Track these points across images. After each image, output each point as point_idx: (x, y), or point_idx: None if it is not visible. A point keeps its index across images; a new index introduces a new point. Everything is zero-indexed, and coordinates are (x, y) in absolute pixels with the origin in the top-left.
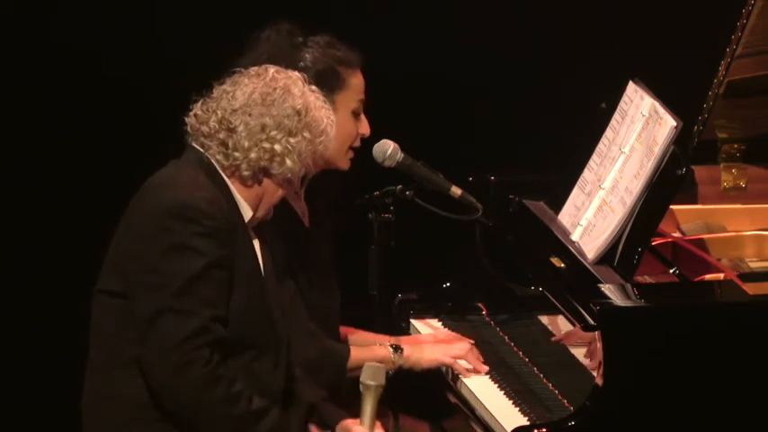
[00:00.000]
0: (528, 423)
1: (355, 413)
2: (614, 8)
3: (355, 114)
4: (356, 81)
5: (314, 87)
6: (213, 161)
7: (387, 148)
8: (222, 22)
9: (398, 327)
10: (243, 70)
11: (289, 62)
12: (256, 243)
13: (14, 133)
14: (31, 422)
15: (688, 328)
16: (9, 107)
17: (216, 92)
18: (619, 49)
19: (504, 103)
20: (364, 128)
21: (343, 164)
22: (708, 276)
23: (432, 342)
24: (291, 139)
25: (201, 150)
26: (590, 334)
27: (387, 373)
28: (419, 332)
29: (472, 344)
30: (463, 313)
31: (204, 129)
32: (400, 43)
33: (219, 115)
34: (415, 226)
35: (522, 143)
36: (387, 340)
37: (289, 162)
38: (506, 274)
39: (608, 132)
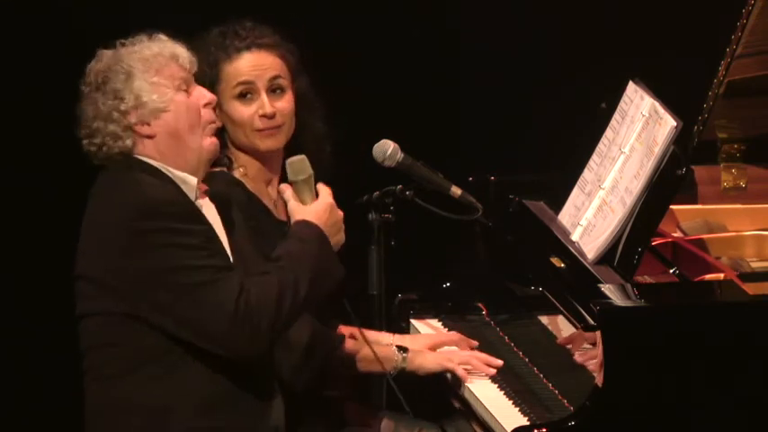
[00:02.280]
0: (528, 423)
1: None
2: (614, 8)
3: (241, 97)
4: (231, 69)
5: (124, 41)
6: (121, 155)
7: (387, 148)
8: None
9: (398, 327)
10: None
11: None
12: (216, 221)
13: (15, 133)
14: (32, 422)
15: (688, 328)
16: (9, 107)
17: (78, 132)
18: (619, 49)
19: (504, 102)
20: (261, 106)
21: (257, 145)
22: (708, 276)
23: (434, 341)
24: (121, 87)
25: (110, 153)
26: (594, 337)
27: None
28: (419, 332)
29: (475, 345)
30: (463, 313)
31: (89, 150)
32: (400, 43)
33: (82, 134)
34: (415, 226)
35: (522, 143)
36: (389, 338)
37: (144, 99)
38: (506, 274)
39: (608, 132)
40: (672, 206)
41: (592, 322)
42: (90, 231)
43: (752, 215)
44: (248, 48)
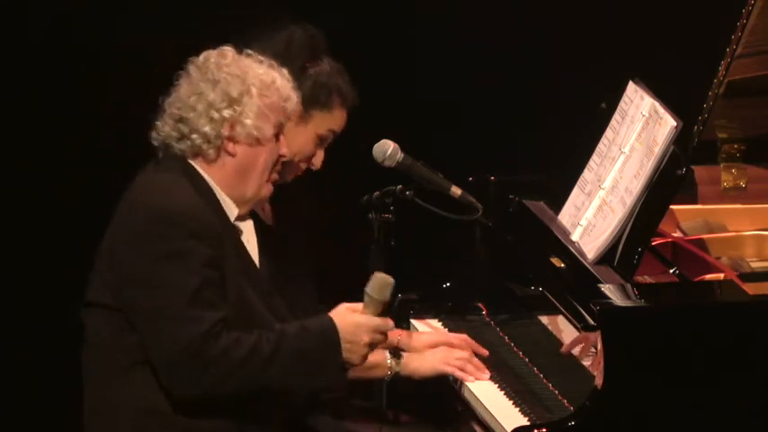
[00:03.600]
0: (528, 423)
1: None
2: (614, 8)
3: (320, 140)
4: (339, 114)
5: (249, 51)
6: (184, 155)
7: (387, 148)
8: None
9: (398, 327)
10: (180, 72)
11: (297, 57)
12: (252, 239)
13: (15, 133)
14: (32, 422)
15: (688, 328)
16: (8, 107)
17: (166, 104)
18: (619, 49)
19: (504, 102)
20: (318, 159)
21: (283, 178)
22: (708, 276)
23: (440, 340)
24: (237, 98)
25: (173, 150)
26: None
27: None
28: (419, 332)
29: (485, 354)
30: (463, 313)
31: (162, 133)
32: (400, 43)
33: (168, 112)
34: (415, 226)
35: (522, 143)
36: (396, 334)
37: (246, 120)
38: (506, 274)
39: (608, 132)
40: (672, 206)
41: (592, 322)
42: (116, 220)
43: (752, 215)
44: (350, 106)
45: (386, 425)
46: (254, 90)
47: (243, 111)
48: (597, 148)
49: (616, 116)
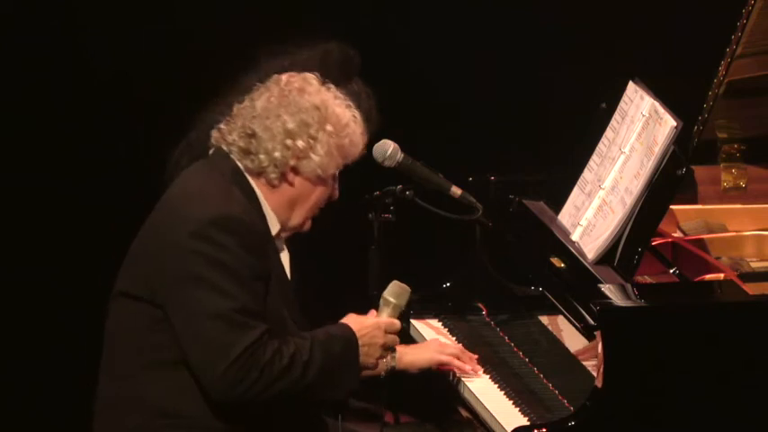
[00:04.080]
0: (528, 423)
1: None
2: (614, 8)
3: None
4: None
5: (331, 85)
6: (241, 166)
7: (387, 148)
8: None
9: None
10: (260, 84)
11: (329, 79)
12: (285, 254)
13: (15, 134)
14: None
15: (688, 328)
16: (9, 108)
17: (235, 110)
18: (619, 49)
19: (504, 102)
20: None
21: None
22: (708, 276)
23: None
24: (314, 133)
25: (230, 156)
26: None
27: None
28: (419, 332)
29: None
30: (463, 313)
31: (228, 138)
32: (400, 43)
33: (239, 125)
34: (415, 226)
35: (522, 143)
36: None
37: (315, 157)
38: (506, 274)
39: (608, 132)
40: (672, 206)
41: (592, 322)
42: (158, 215)
43: (752, 215)
44: (366, 138)
45: (386, 426)
46: (329, 127)
47: (315, 145)
48: (597, 148)
49: (616, 116)
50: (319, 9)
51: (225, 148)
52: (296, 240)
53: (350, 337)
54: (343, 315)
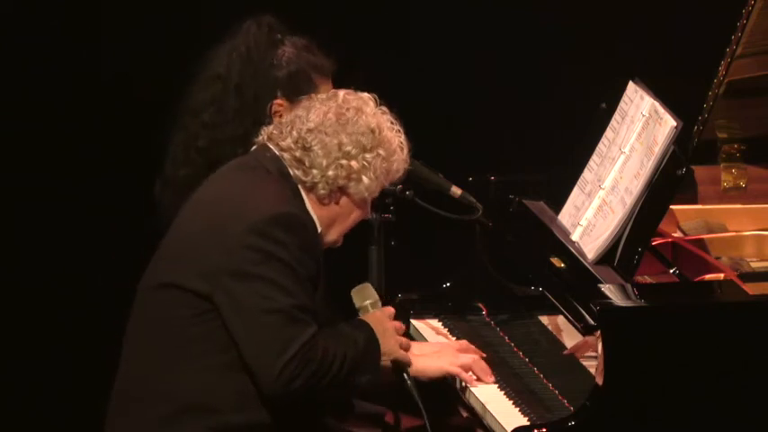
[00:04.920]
0: (528, 423)
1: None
2: (614, 8)
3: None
4: (325, 87)
5: (384, 108)
6: (291, 173)
7: None
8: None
9: None
10: (314, 96)
11: (264, 57)
12: None
13: (15, 134)
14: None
15: (688, 328)
16: (9, 108)
17: (287, 116)
18: (619, 49)
19: (504, 102)
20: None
21: None
22: (708, 276)
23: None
24: (368, 156)
25: (279, 158)
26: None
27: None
28: (419, 332)
29: (483, 356)
30: (463, 313)
31: (282, 143)
32: (401, 43)
33: (295, 135)
34: (415, 226)
35: (522, 143)
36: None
37: (365, 179)
38: (506, 274)
39: (608, 132)
40: (672, 206)
41: (592, 322)
42: (210, 210)
43: (752, 215)
44: (332, 73)
45: (387, 426)
46: (381, 152)
47: (367, 168)
48: (597, 148)
49: (616, 116)
50: (319, 9)
51: (276, 152)
52: None
53: (368, 329)
54: (344, 315)
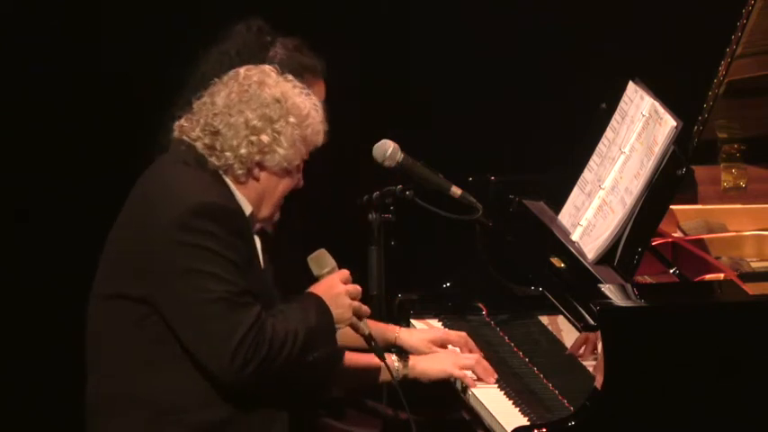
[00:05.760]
0: (528, 423)
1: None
2: (614, 8)
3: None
4: (318, 89)
5: (290, 76)
6: (212, 164)
7: (387, 149)
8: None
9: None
10: (217, 80)
11: (255, 60)
12: (257, 238)
13: (15, 134)
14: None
15: (688, 328)
16: (9, 108)
17: (196, 106)
18: (619, 48)
19: (504, 102)
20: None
21: None
22: (708, 276)
23: (438, 336)
24: (277, 126)
25: (193, 147)
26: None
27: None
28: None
29: (477, 352)
30: (463, 313)
31: (192, 134)
32: (401, 43)
33: (203, 123)
34: (415, 226)
35: (522, 143)
36: (395, 330)
37: (280, 150)
38: (506, 274)
39: (608, 132)
40: (672, 206)
41: (592, 322)
42: (135, 211)
43: (752, 215)
44: (323, 74)
45: (386, 426)
46: (292, 119)
47: (279, 139)
48: (597, 148)
49: (616, 116)
50: (319, 10)
51: (181, 139)
52: (296, 241)
53: (319, 301)
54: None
